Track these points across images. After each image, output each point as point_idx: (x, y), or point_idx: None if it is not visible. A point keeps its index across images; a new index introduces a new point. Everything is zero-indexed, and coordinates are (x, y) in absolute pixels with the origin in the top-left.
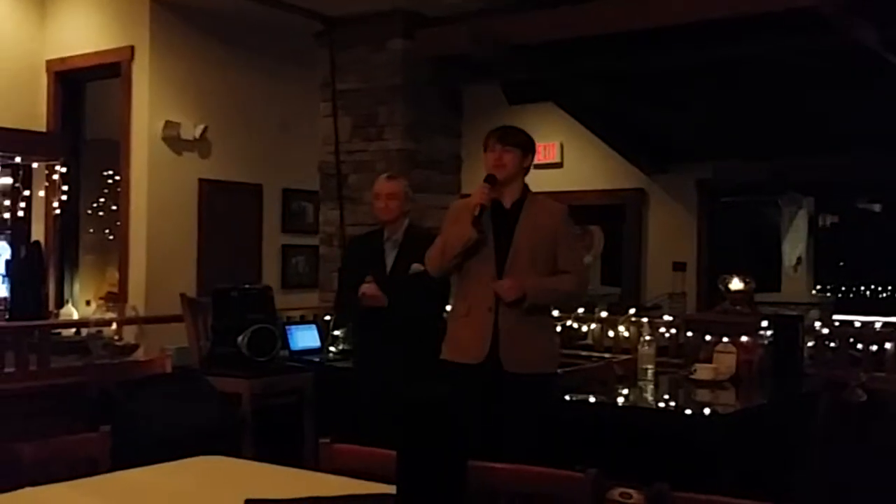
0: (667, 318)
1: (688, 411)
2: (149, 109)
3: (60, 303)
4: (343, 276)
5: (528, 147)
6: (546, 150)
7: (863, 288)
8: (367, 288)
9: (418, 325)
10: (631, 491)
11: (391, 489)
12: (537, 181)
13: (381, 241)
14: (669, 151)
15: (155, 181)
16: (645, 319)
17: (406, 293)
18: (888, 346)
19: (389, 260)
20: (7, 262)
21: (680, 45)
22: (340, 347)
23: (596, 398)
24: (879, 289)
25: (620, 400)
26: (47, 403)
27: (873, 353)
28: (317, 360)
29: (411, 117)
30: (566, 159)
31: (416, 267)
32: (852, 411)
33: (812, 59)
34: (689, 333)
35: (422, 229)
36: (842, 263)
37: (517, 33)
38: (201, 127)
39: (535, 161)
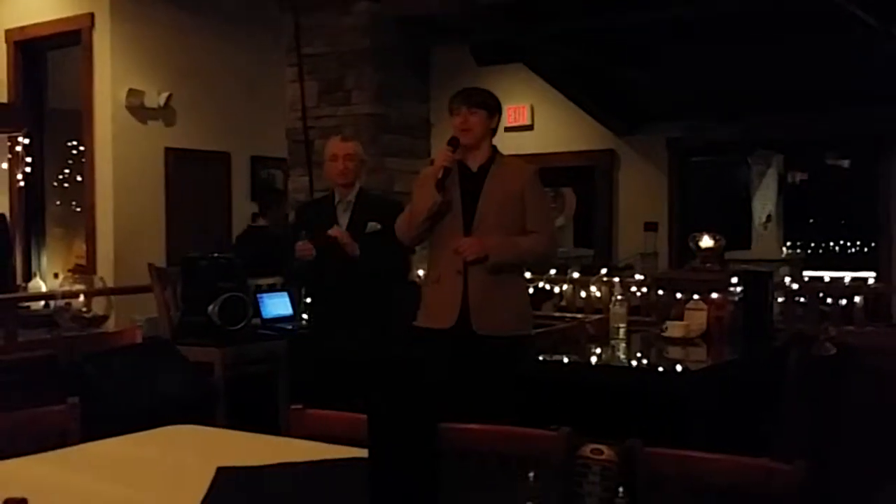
0: (638, 277)
1: (660, 368)
2: (111, 78)
3: (28, 276)
4: (293, 242)
5: (493, 108)
6: (517, 113)
7: (832, 244)
8: (336, 230)
9: (372, 286)
10: (602, 447)
11: (363, 453)
12: (508, 144)
13: (332, 204)
14: (639, 112)
15: (120, 151)
16: (616, 279)
17: (365, 251)
18: (856, 300)
19: (343, 222)
20: None
21: (649, 5)
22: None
23: (569, 358)
24: (848, 244)
25: (593, 359)
26: (16, 377)
27: (842, 307)
28: (289, 327)
29: (379, 81)
30: (537, 121)
31: (372, 225)
32: (821, 365)
33: (782, 16)
34: (661, 292)
35: (373, 192)
36: (811, 220)
37: None
38: (165, 94)
39: (506, 124)
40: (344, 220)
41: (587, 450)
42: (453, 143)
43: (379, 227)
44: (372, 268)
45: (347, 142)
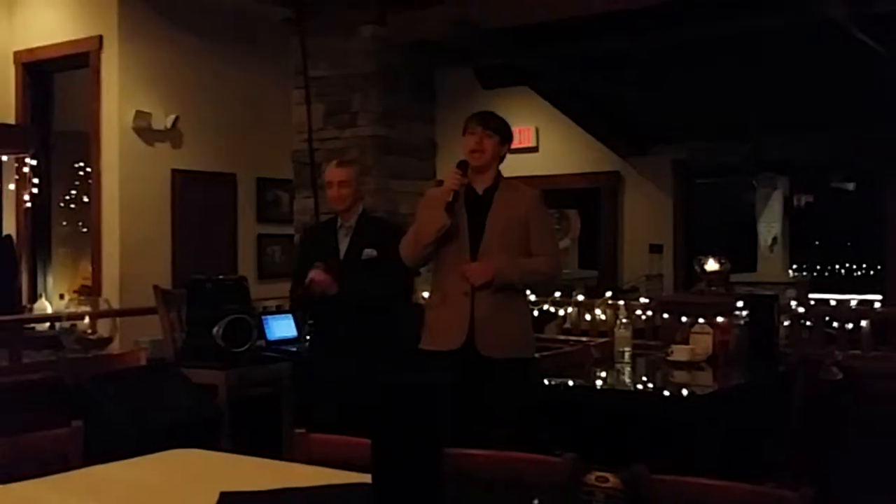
0: (643, 300)
1: (665, 393)
2: (119, 100)
3: (34, 297)
4: (296, 267)
5: (506, 135)
6: (521, 135)
7: (838, 266)
8: (315, 274)
9: (374, 310)
10: (607, 474)
11: (367, 478)
12: (513, 166)
13: (335, 228)
14: (645, 134)
15: (126, 172)
16: (621, 302)
17: (359, 278)
18: (863, 324)
19: (343, 247)
20: None
21: (654, 27)
22: None
23: (574, 381)
24: (854, 267)
25: (598, 383)
26: (20, 398)
27: (848, 331)
28: (294, 349)
29: (385, 104)
30: (542, 143)
31: (368, 252)
32: (828, 390)
33: (785, 38)
34: (666, 315)
35: (376, 215)
36: (817, 243)
37: (491, 17)
38: (172, 117)
39: (511, 145)
40: (344, 245)
41: (592, 477)
42: (462, 166)
43: (375, 253)
44: (366, 297)
45: (342, 167)
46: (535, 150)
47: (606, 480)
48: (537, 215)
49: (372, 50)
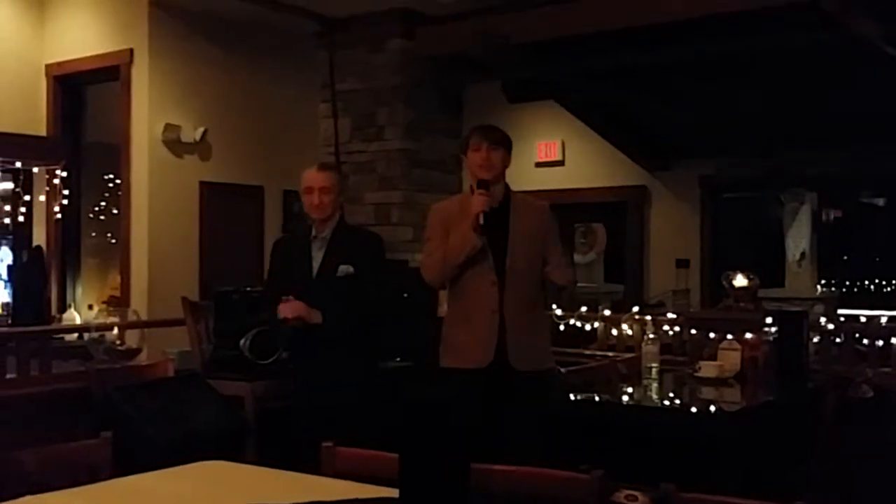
0: (670, 315)
1: (693, 409)
2: (148, 112)
3: (63, 307)
4: (266, 287)
5: (510, 146)
6: (548, 149)
7: (867, 282)
8: (286, 308)
9: (352, 330)
10: (636, 493)
11: (394, 492)
12: (539, 179)
13: (308, 240)
14: (671, 148)
15: (156, 184)
16: (648, 317)
17: (334, 298)
18: (894, 340)
19: (316, 261)
20: (9, 267)
21: (681, 41)
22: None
23: (600, 397)
24: (884, 283)
25: (625, 399)
26: (49, 409)
27: (879, 348)
28: None
29: (411, 117)
30: (568, 157)
31: (344, 269)
32: (859, 408)
33: (814, 53)
34: (693, 331)
35: (353, 225)
36: (846, 258)
37: (517, 31)
38: (201, 129)
39: (537, 159)
40: (317, 258)
41: (621, 496)
42: (484, 185)
43: (352, 270)
44: (346, 318)
45: (324, 171)
46: (560, 163)
47: (636, 499)
48: (551, 228)
49: (399, 64)
